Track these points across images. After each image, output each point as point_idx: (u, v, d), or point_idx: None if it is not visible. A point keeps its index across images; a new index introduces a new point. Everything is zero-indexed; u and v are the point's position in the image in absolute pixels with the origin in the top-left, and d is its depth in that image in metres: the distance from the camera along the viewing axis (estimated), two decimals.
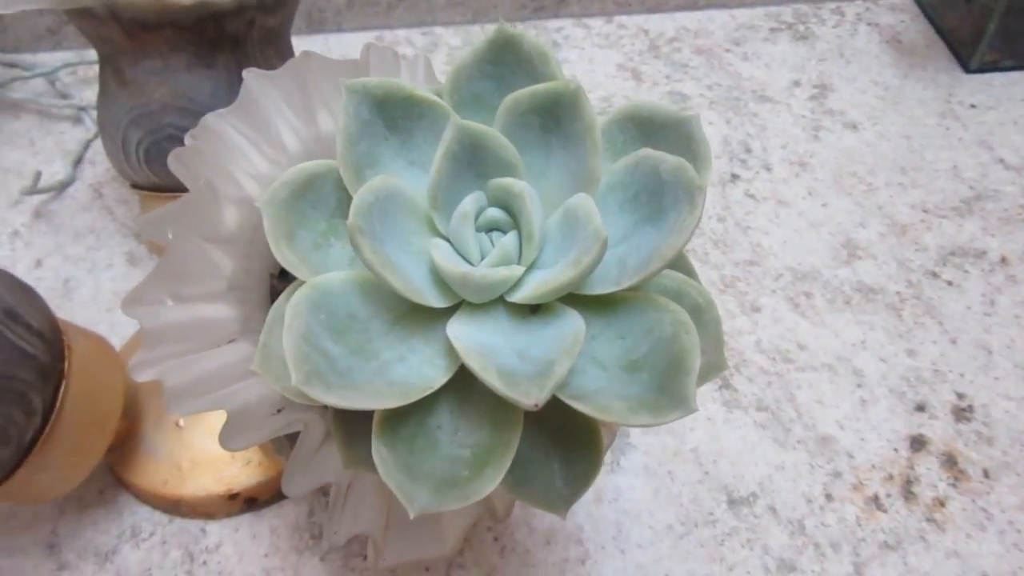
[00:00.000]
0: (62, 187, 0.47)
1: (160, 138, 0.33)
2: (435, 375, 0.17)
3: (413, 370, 0.17)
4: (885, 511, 0.35)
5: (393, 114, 0.19)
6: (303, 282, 0.18)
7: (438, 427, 0.18)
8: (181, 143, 0.33)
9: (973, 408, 0.38)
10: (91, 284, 0.43)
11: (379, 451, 0.17)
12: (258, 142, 0.25)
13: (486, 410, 0.18)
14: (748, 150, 0.48)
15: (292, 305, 0.17)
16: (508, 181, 0.18)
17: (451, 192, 0.18)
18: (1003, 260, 0.43)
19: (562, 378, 0.16)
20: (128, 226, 0.45)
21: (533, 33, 0.18)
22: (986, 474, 0.36)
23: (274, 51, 0.35)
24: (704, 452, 0.36)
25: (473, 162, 0.18)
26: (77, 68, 0.54)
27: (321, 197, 0.19)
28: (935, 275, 0.43)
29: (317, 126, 0.25)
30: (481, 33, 0.55)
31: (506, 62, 0.19)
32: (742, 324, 0.41)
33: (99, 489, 0.35)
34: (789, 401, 0.38)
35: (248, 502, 0.34)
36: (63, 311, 0.41)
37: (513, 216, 0.18)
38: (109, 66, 0.34)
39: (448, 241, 0.18)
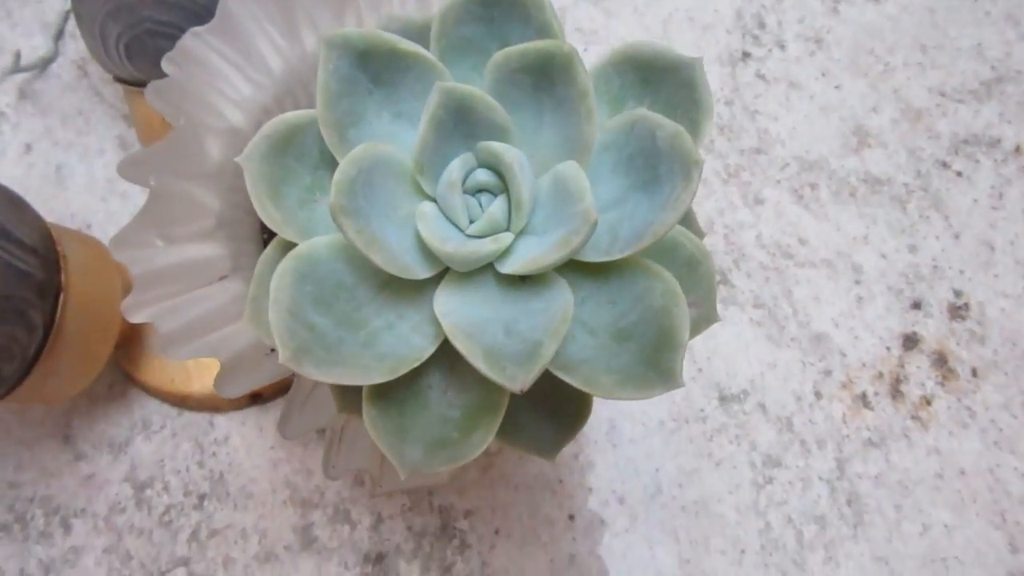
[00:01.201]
0: (45, 64, 0.45)
1: (140, 32, 0.32)
2: (423, 344, 0.17)
3: (401, 339, 0.17)
4: (872, 409, 0.35)
5: (376, 67, 0.18)
6: (290, 243, 0.18)
7: (428, 388, 0.18)
8: (162, 38, 0.32)
9: (969, 306, 0.38)
10: (84, 171, 0.42)
11: (369, 413, 0.18)
12: (240, 64, 0.23)
13: (476, 371, 0.18)
14: (762, 25, 0.46)
15: (277, 277, 0.17)
16: (497, 147, 0.17)
17: (438, 156, 0.17)
18: (1017, 149, 0.42)
19: (548, 360, 0.16)
20: (116, 108, 0.44)
21: None
22: (974, 373, 0.36)
23: None
24: (699, 349, 0.37)
25: (460, 124, 0.17)
26: None
27: (304, 149, 0.18)
28: (945, 165, 0.42)
29: (302, 44, 0.24)
30: None
31: (498, 3, 0.18)
32: (744, 217, 0.40)
33: (108, 383, 0.36)
34: (786, 298, 0.38)
35: (253, 397, 0.35)
36: (58, 200, 0.41)
37: (502, 178, 0.18)
38: None
39: (436, 203, 0.18)
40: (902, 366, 0.36)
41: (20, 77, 0.45)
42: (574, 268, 0.18)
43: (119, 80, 0.35)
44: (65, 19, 0.47)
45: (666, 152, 0.16)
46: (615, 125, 0.17)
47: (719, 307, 0.38)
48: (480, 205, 0.18)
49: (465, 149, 0.18)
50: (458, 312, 0.16)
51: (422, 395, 0.18)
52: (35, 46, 0.46)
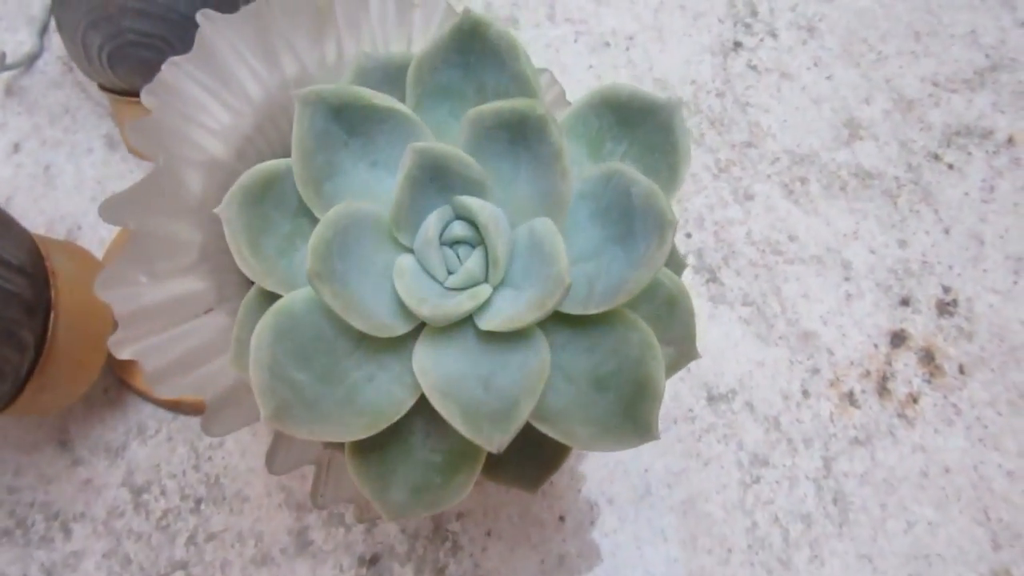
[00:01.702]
0: (30, 60, 0.45)
1: (122, 44, 0.31)
2: (403, 397, 0.17)
3: (381, 392, 0.17)
4: (858, 407, 0.36)
5: (352, 120, 0.17)
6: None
7: (410, 434, 0.18)
8: (145, 49, 0.32)
9: (957, 302, 0.38)
10: (72, 171, 0.42)
11: (352, 462, 0.18)
12: (218, 91, 0.23)
13: None
14: (754, 13, 0.45)
15: (257, 334, 0.17)
16: (473, 203, 0.17)
17: (414, 211, 0.17)
18: (1010, 140, 0.42)
19: (524, 420, 0.16)
20: (103, 105, 0.44)
21: (499, 23, 0.16)
22: (961, 370, 0.37)
23: None
24: None
25: (436, 180, 0.17)
26: None
27: (283, 197, 0.18)
28: (936, 157, 0.41)
29: (281, 70, 0.24)
30: None
31: (473, 50, 0.18)
32: (734, 213, 0.40)
33: (104, 388, 0.36)
34: (775, 295, 0.38)
35: None
36: (47, 200, 0.41)
37: (479, 231, 0.18)
38: None
39: (414, 254, 0.18)
40: (889, 363, 0.37)
41: (6, 74, 0.45)
42: (553, 317, 0.18)
43: (103, 88, 0.34)
44: (50, 14, 0.46)
45: (640, 209, 0.16)
46: (592, 176, 0.17)
47: (708, 305, 0.38)
48: (458, 257, 0.18)
49: (442, 202, 0.18)
50: (436, 369, 0.17)
51: (404, 442, 0.18)
52: (20, 41, 0.46)
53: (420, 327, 0.18)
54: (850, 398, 0.36)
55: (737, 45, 0.44)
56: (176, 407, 0.36)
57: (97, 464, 0.35)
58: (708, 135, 0.42)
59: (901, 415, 0.36)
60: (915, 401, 0.36)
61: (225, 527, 0.34)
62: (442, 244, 0.18)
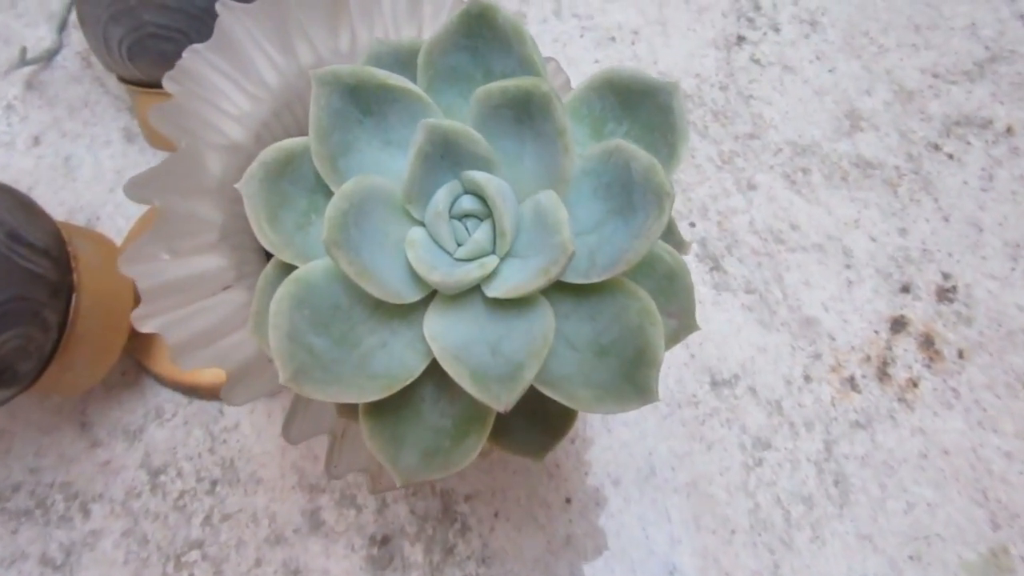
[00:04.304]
0: (50, 55, 0.46)
1: (142, 36, 0.32)
2: (415, 362, 0.18)
3: (394, 357, 0.18)
4: (859, 392, 0.37)
5: (366, 99, 0.18)
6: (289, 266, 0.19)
7: (421, 400, 0.19)
8: (163, 41, 0.33)
9: (956, 288, 0.39)
10: (91, 162, 0.43)
11: (366, 424, 0.19)
12: (237, 78, 0.24)
13: None
14: (757, 7, 0.46)
15: (276, 301, 0.18)
16: (481, 177, 0.18)
17: (425, 185, 0.18)
18: (1008, 130, 0.42)
19: (529, 381, 0.17)
20: (121, 99, 0.45)
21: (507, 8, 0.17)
22: (960, 354, 0.37)
23: None
24: (691, 335, 0.38)
25: (446, 156, 0.18)
26: None
27: (300, 174, 0.19)
28: (936, 147, 0.42)
29: (297, 58, 0.25)
30: None
31: (481, 35, 0.19)
32: (737, 203, 0.41)
33: (122, 371, 0.38)
34: (777, 283, 0.39)
35: None
36: (67, 191, 0.42)
37: (487, 205, 0.19)
38: None
39: (425, 227, 0.19)
40: (890, 349, 0.37)
41: (27, 69, 0.46)
42: (557, 287, 0.19)
43: (123, 80, 0.35)
44: (69, 9, 0.48)
45: (640, 183, 0.17)
46: (594, 153, 0.18)
47: (711, 293, 0.39)
48: (467, 229, 0.19)
49: (451, 177, 0.19)
50: (446, 335, 0.18)
51: (416, 407, 0.19)
52: (40, 36, 0.47)
53: (430, 296, 0.19)
54: (851, 383, 0.37)
55: (740, 39, 0.45)
56: (193, 391, 0.37)
57: (115, 446, 0.36)
58: (712, 127, 0.43)
59: (901, 399, 0.36)
60: (915, 385, 0.37)
61: (240, 508, 0.35)
62: (451, 217, 0.19)
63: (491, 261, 0.18)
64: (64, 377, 0.32)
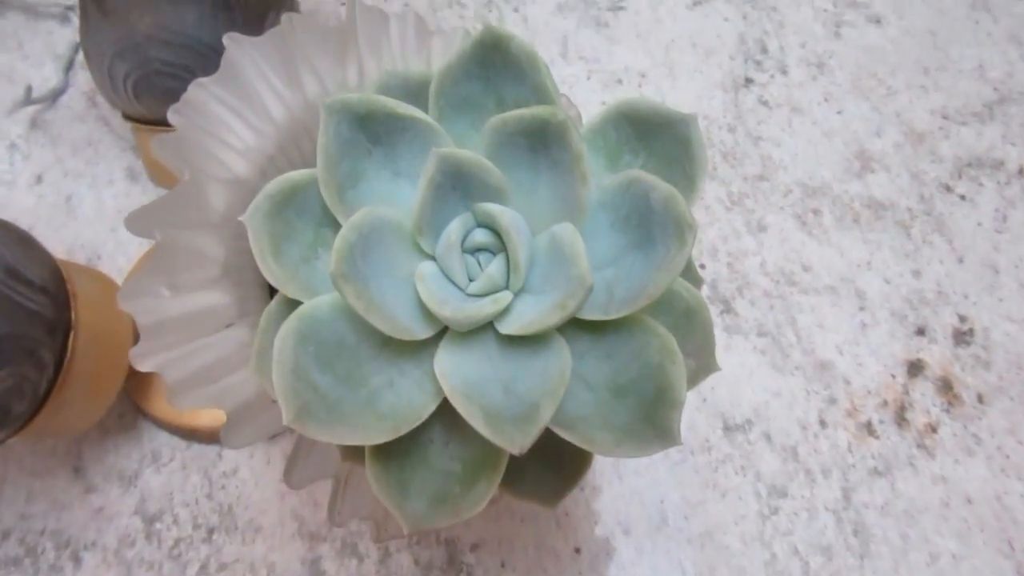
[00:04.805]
0: (55, 95, 0.46)
1: (148, 72, 0.32)
2: (424, 402, 0.17)
3: (402, 398, 0.17)
4: (877, 437, 0.36)
5: (376, 129, 0.18)
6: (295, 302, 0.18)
7: (430, 442, 0.18)
8: (169, 78, 0.32)
9: (974, 331, 0.38)
10: (93, 201, 0.43)
11: (372, 468, 0.18)
12: (242, 111, 0.24)
13: None
14: (764, 50, 0.46)
15: (281, 337, 0.17)
16: (494, 208, 0.17)
17: (437, 217, 0.18)
18: (1021, 171, 0.42)
19: (546, 422, 0.16)
20: (125, 138, 0.44)
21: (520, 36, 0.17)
22: (980, 399, 0.36)
23: None
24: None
25: (458, 186, 0.17)
26: None
27: (307, 206, 0.19)
28: (948, 189, 0.42)
29: (303, 92, 0.24)
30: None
31: (494, 63, 0.18)
32: (748, 244, 0.40)
33: (119, 414, 0.36)
34: (790, 325, 0.38)
35: None
36: (67, 229, 0.42)
37: (500, 238, 0.18)
38: None
39: (436, 262, 0.18)
40: (907, 393, 0.36)
41: (31, 108, 0.46)
42: (573, 324, 0.18)
43: (127, 117, 0.35)
44: (76, 51, 0.48)
45: (660, 214, 0.16)
46: (611, 185, 0.18)
47: (723, 336, 0.38)
48: (479, 264, 0.18)
49: (464, 209, 0.18)
50: (458, 372, 0.17)
51: (424, 450, 0.18)
52: (46, 77, 0.47)
53: (441, 333, 0.18)
54: (868, 428, 0.36)
55: (748, 81, 0.45)
56: (191, 435, 0.36)
57: (110, 491, 0.35)
58: (721, 168, 0.42)
59: (920, 445, 0.35)
60: (934, 430, 0.36)
61: (237, 557, 0.34)
62: (464, 251, 0.18)
63: (505, 297, 0.18)
64: (59, 418, 0.31)
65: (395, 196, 0.18)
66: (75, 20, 0.48)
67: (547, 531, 0.34)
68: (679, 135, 0.19)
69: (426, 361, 0.18)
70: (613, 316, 0.17)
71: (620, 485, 0.35)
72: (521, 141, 0.18)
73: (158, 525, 0.34)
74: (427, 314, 0.17)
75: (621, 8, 0.47)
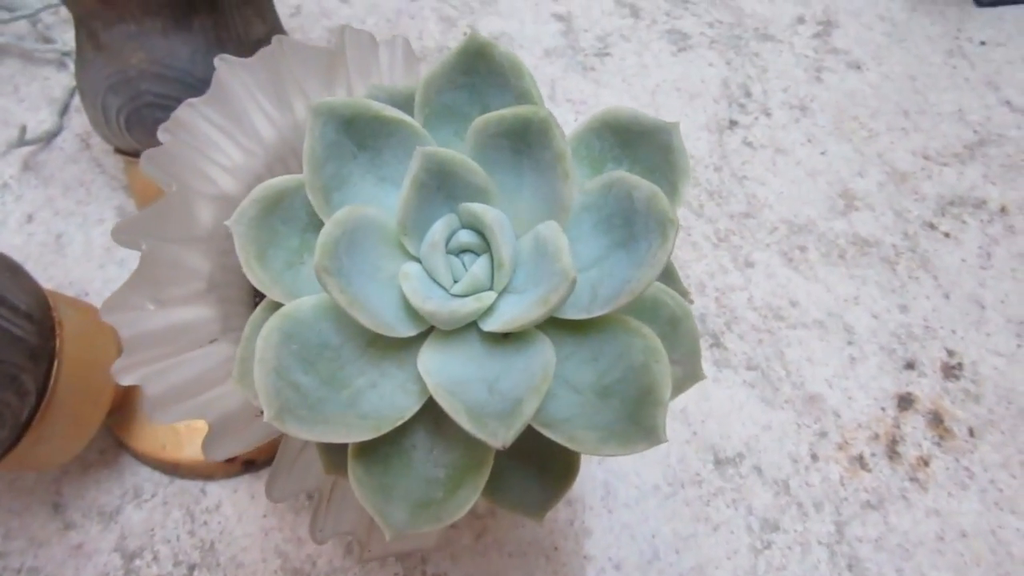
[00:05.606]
0: (49, 137, 0.46)
1: (140, 105, 0.33)
2: (407, 403, 0.17)
3: (385, 399, 0.17)
4: (869, 470, 0.35)
5: (361, 132, 0.18)
6: (277, 304, 0.18)
7: (413, 447, 0.18)
8: (161, 111, 0.33)
9: (963, 365, 0.38)
10: (82, 240, 0.43)
11: (355, 472, 0.18)
12: (232, 132, 0.24)
13: (460, 430, 0.18)
14: (748, 94, 0.47)
15: (263, 337, 0.17)
16: (479, 208, 0.17)
17: (421, 217, 0.18)
18: (1002, 210, 0.43)
19: (529, 417, 0.16)
20: (117, 179, 0.45)
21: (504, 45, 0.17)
22: (971, 432, 0.36)
23: (252, 10, 0.34)
24: (693, 412, 0.37)
25: (442, 186, 0.18)
26: (59, 8, 0.52)
27: (292, 213, 0.19)
28: (932, 226, 0.42)
29: (293, 113, 0.25)
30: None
31: (478, 71, 0.19)
32: (735, 280, 0.40)
33: (100, 449, 0.36)
34: (779, 359, 0.38)
35: (246, 464, 0.35)
36: (56, 267, 0.42)
37: (484, 239, 0.18)
38: (84, 28, 0.33)
39: (420, 263, 0.18)
40: (898, 426, 0.36)
41: (25, 149, 0.46)
42: (557, 326, 0.18)
43: (119, 151, 0.35)
44: (71, 95, 0.48)
45: (642, 212, 0.17)
46: (594, 187, 0.18)
47: (712, 369, 0.38)
48: (463, 265, 0.18)
49: (448, 210, 0.18)
50: (442, 370, 0.17)
51: (407, 455, 0.18)
52: (40, 120, 0.47)
53: (425, 333, 0.18)
54: (860, 461, 0.35)
55: (732, 123, 0.46)
56: (174, 470, 0.35)
57: (90, 528, 0.34)
58: (707, 206, 0.43)
59: (913, 478, 0.35)
60: (926, 464, 0.35)
61: None
62: (448, 253, 0.18)
63: (488, 296, 0.18)
64: (39, 450, 0.30)
65: (380, 201, 0.19)
66: (71, 66, 0.49)
67: (536, 566, 0.33)
68: (661, 143, 0.19)
69: (409, 363, 0.18)
70: (597, 314, 0.17)
71: (610, 519, 0.34)
72: (504, 143, 0.18)
73: (138, 562, 0.34)
74: (411, 313, 0.17)
75: (607, 54, 0.49)
